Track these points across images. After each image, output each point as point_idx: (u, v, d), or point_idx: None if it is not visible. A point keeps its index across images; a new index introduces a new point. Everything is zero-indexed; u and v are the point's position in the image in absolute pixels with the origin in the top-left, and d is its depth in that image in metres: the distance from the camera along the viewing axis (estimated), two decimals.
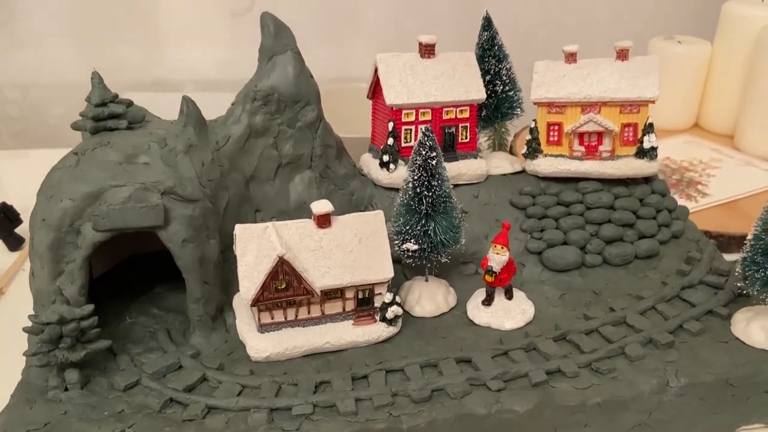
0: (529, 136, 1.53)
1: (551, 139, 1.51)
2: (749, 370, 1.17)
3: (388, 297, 1.26)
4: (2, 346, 1.28)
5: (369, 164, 1.53)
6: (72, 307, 1.15)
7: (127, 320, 1.33)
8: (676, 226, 1.51)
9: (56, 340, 1.12)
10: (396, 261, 1.32)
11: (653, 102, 1.45)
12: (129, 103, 1.35)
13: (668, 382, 1.15)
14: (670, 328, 1.26)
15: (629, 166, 1.47)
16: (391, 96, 1.43)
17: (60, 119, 2.60)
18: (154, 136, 1.28)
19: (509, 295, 1.35)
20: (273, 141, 1.41)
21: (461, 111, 1.49)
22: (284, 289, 1.19)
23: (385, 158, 1.45)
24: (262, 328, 1.22)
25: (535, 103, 1.51)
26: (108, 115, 1.29)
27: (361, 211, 1.50)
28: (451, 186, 1.31)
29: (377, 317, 1.27)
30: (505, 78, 1.55)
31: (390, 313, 1.26)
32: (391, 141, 1.45)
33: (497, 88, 1.55)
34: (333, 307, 1.26)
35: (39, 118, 2.63)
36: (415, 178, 1.26)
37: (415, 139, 1.46)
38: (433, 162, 1.25)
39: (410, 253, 1.30)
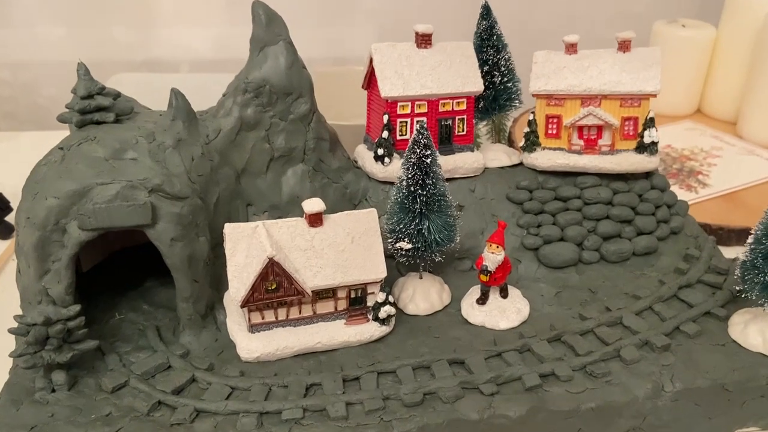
0: (527, 129, 1.49)
1: (550, 131, 1.48)
2: (745, 375, 1.16)
3: (380, 296, 1.24)
4: None
5: (364, 156, 1.50)
6: (58, 307, 1.13)
7: (116, 317, 1.31)
8: (675, 222, 1.48)
9: (42, 342, 1.10)
10: (390, 257, 1.30)
11: (654, 96, 1.41)
12: (116, 95, 1.31)
13: (663, 387, 1.14)
14: (667, 330, 1.24)
15: (629, 161, 1.44)
16: (386, 88, 1.40)
17: (51, 99, 2.56)
18: (142, 131, 1.25)
19: (504, 294, 1.33)
20: (265, 134, 1.37)
21: (458, 103, 1.45)
22: (275, 290, 1.17)
23: (380, 152, 1.42)
24: (253, 328, 1.21)
25: (533, 95, 1.47)
26: (95, 108, 1.26)
27: (355, 204, 1.47)
28: (446, 184, 1.28)
29: (370, 316, 1.26)
30: (503, 69, 1.51)
31: (383, 312, 1.24)
32: (386, 134, 1.41)
33: (495, 79, 1.51)
34: (325, 306, 1.24)
35: (29, 98, 2.59)
36: (410, 176, 1.23)
37: (411, 132, 1.43)
38: (428, 160, 1.22)
39: (404, 252, 1.28)
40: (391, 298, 1.26)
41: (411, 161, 1.23)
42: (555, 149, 1.48)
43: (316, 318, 1.24)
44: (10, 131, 2.41)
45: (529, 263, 1.44)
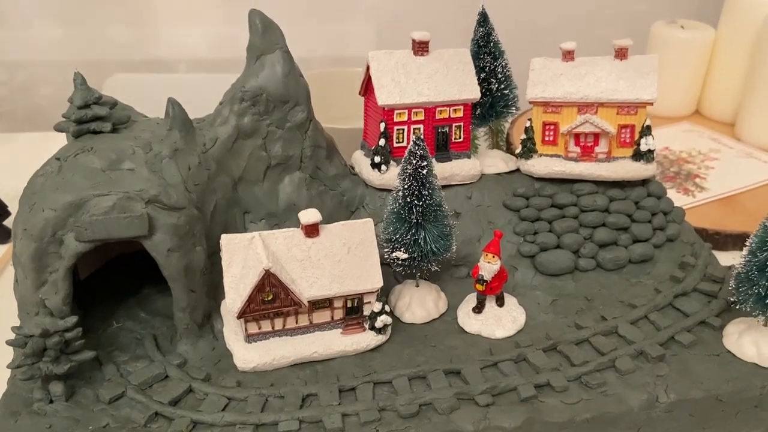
0: (524, 136, 1.49)
1: (547, 138, 1.48)
2: (739, 386, 1.16)
3: (377, 306, 1.25)
4: None
5: (361, 163, 1.50)
6: (55, 318, 1.13)
7: (114, 325, 1.32)
8: (671, 230, 1.49)
9: (40, 353, 1.10)
10: (387, 265, 1.30)
11: (651, 104, 1.41)
12: (113, 104, 1.31)
13: (657, 398, 1.15)
14: (662, 340, 1.24)
15: (625, 168, 1.44)
16: (383, 96, 1.40)
17: (48, 99, 2.56)
18: (139, 140, 1.25)
19: (500, 303, 1.33)
20: (262, 142, 1.37)
21: (455, 110, 1.45)
22: (271, 300, 1.17)
23: (377, 159, 1.42)
24: (249, 338, 1.21)
25: (530, 102, 1.47)
26: (91, 118, 1.26)
27: (352, 211, 1.48)
28: (443, 194, 1.28)
29: (366, 326, 1.26)
30: (500, 75, 1.50)
31: (379, 322, 1.25)
32: (382, 142, 1.42)
33: (492, 86, 1.50)
34: (321, 316, 1.24)
35: (27, 98, 2.59)
36: (405, 186, 1.23)
37: (408, 140, 1.43)
38: (424, 171, 1.22)
39: (400, 262, 1.28)
40: (387, 308, 1.26)
41: (407, 172, 1.23)
42: (552, 156, 1.48)
43: (312, 327, 1.24)
44: (8, 132, 2.41)
45: (525, 271, 1.44)
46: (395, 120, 1.42)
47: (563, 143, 1.47)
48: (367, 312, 1.26)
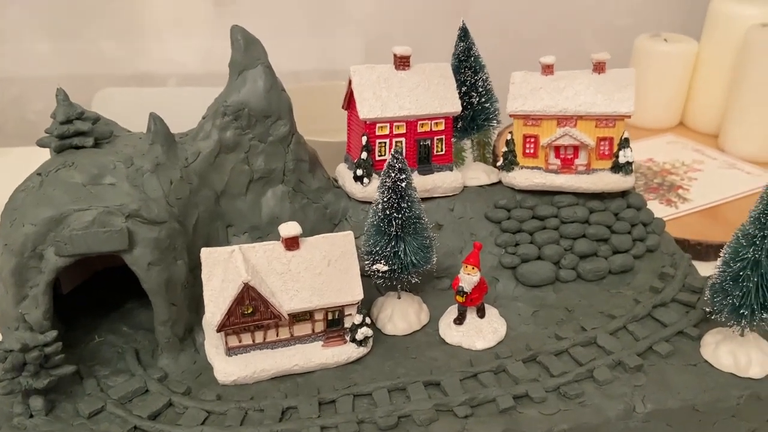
0: (505, 148, 1.51)
1: (527, 151, 1.50)
2: (716, 396, 1.17)
3: (358, 318, 1.26)
4: None
5: (344, 176, 1.51)
6: (35, 333, 1.14)
7: (96, 339, 1.32)
8: (651, 240, 1.50)
9: (20, 368, 1.11)
10: (368, 277, 1.31)
11: (629, 117, 1.43)
12: (96, 119, 1.32)
13: (635, 408, 1.15)
14: (640, 350, 1.25)
15: (604, 180, 1.46)
16: (365, 110, 1.41)
17: (39, 114, 2.57)
18: (120, 155, 1.26)
19: (481, 314, 1.34)
20: (244, 156, 1.39)
21: (436, 124, 1.47)
22: (251, 314, 1.18)
23: (359, 172, 1.44)
24: (230, 351, 1.22)
25: (511, 116, 1.49)
26: (74, 133, 1.27)
27: (335, 224, 1.49)
28: (422, 206, 1.30)
29: (347, 338, 1.27)
30: (481, 89, 1.52)
31: (360, 334, 1.25)
32: (364, 155, 1.43)
33: (473, 99, 1.52)
34: (302, 329, 1.25)
35: (18, 113, 2.60)
36: (385, 199, 1.25)
37: (390, 153, 1.45)
38: (403, 184, 1.23)
39: (380, 274, 1.29)
40: (368, 320, 1.27)
41: (386, 185, 1.24)
42: (532, 168, 1.49)
43: (293, 340, 1.25)
44: (0, 147, 2.41)
45: (506, 282, 1.45)
46: (377, 133, 1.44)
47: (543, 156, 1.48)
48: (348, 324, 1.26)
